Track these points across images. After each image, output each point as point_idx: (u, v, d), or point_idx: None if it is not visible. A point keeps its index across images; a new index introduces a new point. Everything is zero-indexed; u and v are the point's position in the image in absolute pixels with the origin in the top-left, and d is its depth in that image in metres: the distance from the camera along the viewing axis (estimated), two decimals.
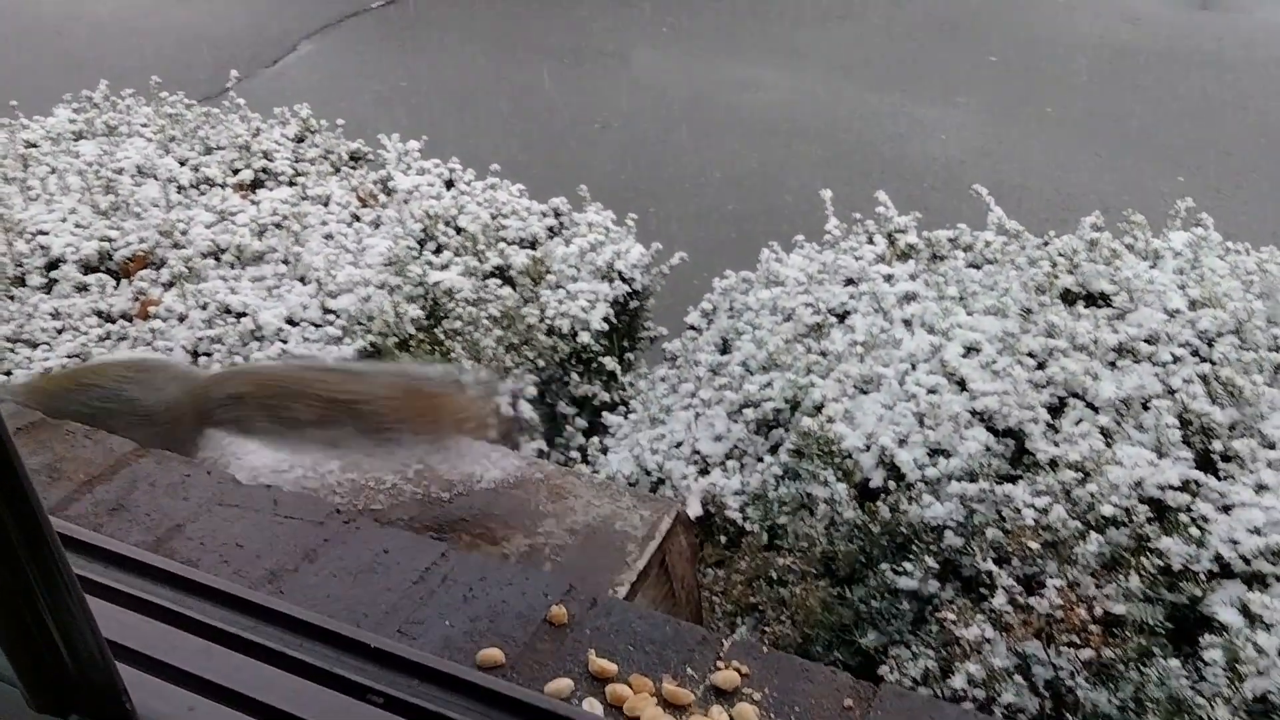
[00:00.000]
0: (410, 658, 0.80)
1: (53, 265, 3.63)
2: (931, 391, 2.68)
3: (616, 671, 0.94)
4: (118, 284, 3.60)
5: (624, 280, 3.65)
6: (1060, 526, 2.22)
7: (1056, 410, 2.58)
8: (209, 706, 0.77)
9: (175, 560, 0.99)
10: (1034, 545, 2.20)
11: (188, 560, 1.01)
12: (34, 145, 4.43)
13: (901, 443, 2.57)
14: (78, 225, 3.82)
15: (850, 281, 3.32)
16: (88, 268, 3.63)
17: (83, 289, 3.55)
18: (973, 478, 2.42)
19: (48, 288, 3.58)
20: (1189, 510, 2.18)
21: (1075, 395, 2.58)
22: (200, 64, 6.24)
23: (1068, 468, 2.35)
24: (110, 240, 3.73)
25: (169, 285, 3.56)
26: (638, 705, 0.90)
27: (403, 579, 1.03)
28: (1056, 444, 2.47)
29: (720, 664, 0.96)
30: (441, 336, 3.46)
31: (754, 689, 0.94)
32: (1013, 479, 2.43)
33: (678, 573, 1.81)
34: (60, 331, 3.39)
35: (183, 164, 4.26)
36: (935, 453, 2.54)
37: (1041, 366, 2.70)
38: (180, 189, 4.10)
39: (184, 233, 3.76)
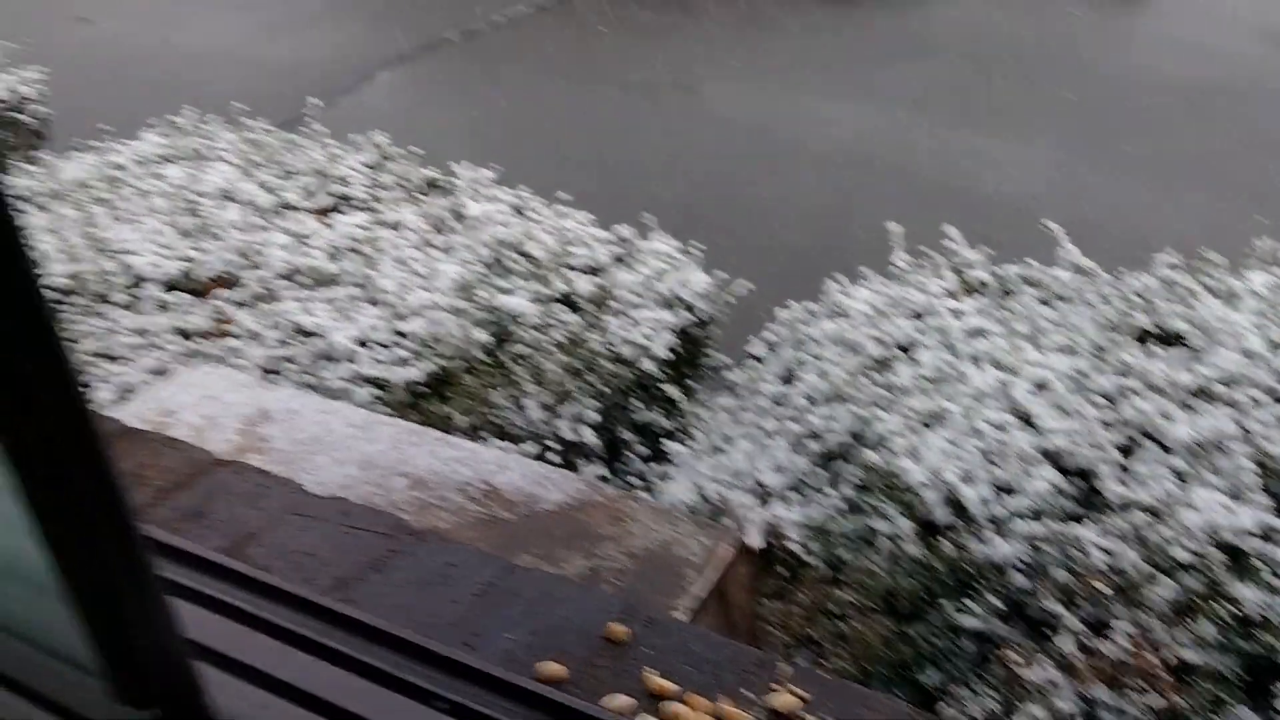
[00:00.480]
0: (477, 666, 0.82)
1: (136, 283, 3.76)
2: (999, 428, 2.65)
3: (674, 690, 0.95)
4: (196, 302, 3.71)
5: (688, 308, 3.67)
6: (1131, 570, 2.17)
7: (1128, 451, 2.53)
8: (281, 706, 0.79)
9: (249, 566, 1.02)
10: (1103, 588, 2.15)
11: (261, 567, 1.04)
12: (122, 168, 4.59)
13: (967, 479, 2.54)
14: (161, 245, 3.94)
15: (917, 315, 3.30)
16: (169, 286, 3.75)
17: (164, 307, 3.66)
18: (1040, 517, 2.38)
19: (131, 305, 3.70)
20: (1266, 557, 2.12)
21: (1148, 436, 2.53)
22: (283, 92, 6.43)
23: (1139, 510, 2.30)
24: (191, 260, 3.84)
25: (245, 305, 3.66)
26: None
27: (467, 592, 1.05)
28: (1127, 485, 2.42)
29: (778, 687, 0.96)
30: (506, 360, 3.50)
31: (811, 714, 0.94)
32: (1081, 520, 2.39)
33: (735, 601, 1.81)
34: (141, 347, 3.51)
35: (262, 188, 4.38)
36: (1002, 490, 2.50)
37: (1113, 406, 2.65)
38: (259, 212, 4.22)
39: (261, 254, 3.87)
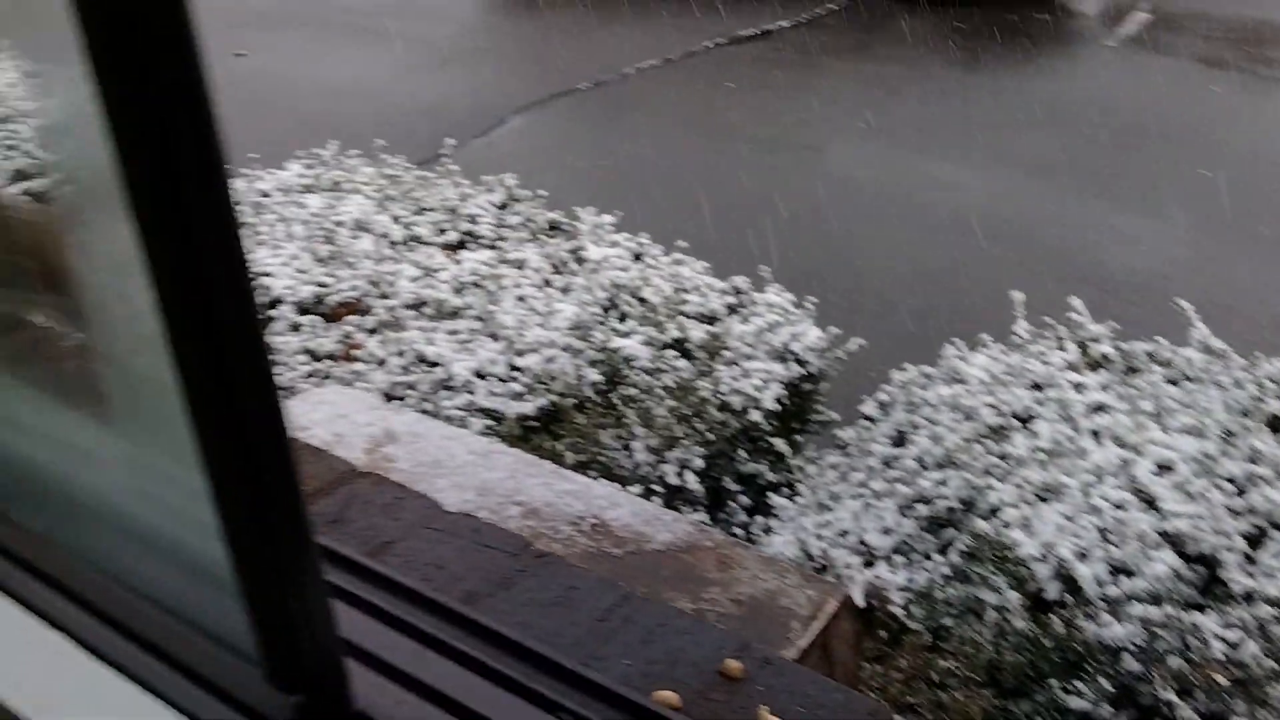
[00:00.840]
0: (602, 683, 0.85)
1: (271, 305, 3.94)
2: (1118, 507, 2.58)
3: None
4: (327, 326, 3.87)
5: (799, 362, 3.67)
6: (1253, 664, 2.08)
7: (1255, 541, 2.43)
8: (416, 703, 0.84)
9: None
10: (1222, 680, 2.07)
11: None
12: (267, 195, 4.84)
13: (1082, 556, 2.47)
14: (298, 270, 4.14)
15: (1036, 386, 3.24)
16: (302, 309, 3.92)
17: (295, 328, 3.84)
18: (1157, 601, 2.30)
19: (265, 324, 3.88)
20: None
21: (1277, 527, 2.44)
22: (420, 131, 6.70)
23: (1264, 602, 2.21)
24: (324, 286, 4.02)
25: (372, 332, 3.80)
26: None
27: (588, 615, 1.09)
28: (1253, 576, 2.33)
29: None
30: (616, 401, 3.56)
31: None
32: (1201, 608, 2.31)
33: (839, 657, 1.80)
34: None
35: (396, 221, 4.57)
36: (1117, 571, 2.43)
37: (1241, 493, 2.55)
38: (391, 244, 4.40)
39: (391, 284, 4.02)
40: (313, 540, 0.78)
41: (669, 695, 1.01)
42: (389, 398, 3.50)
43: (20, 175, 4.86)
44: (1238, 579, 2.30)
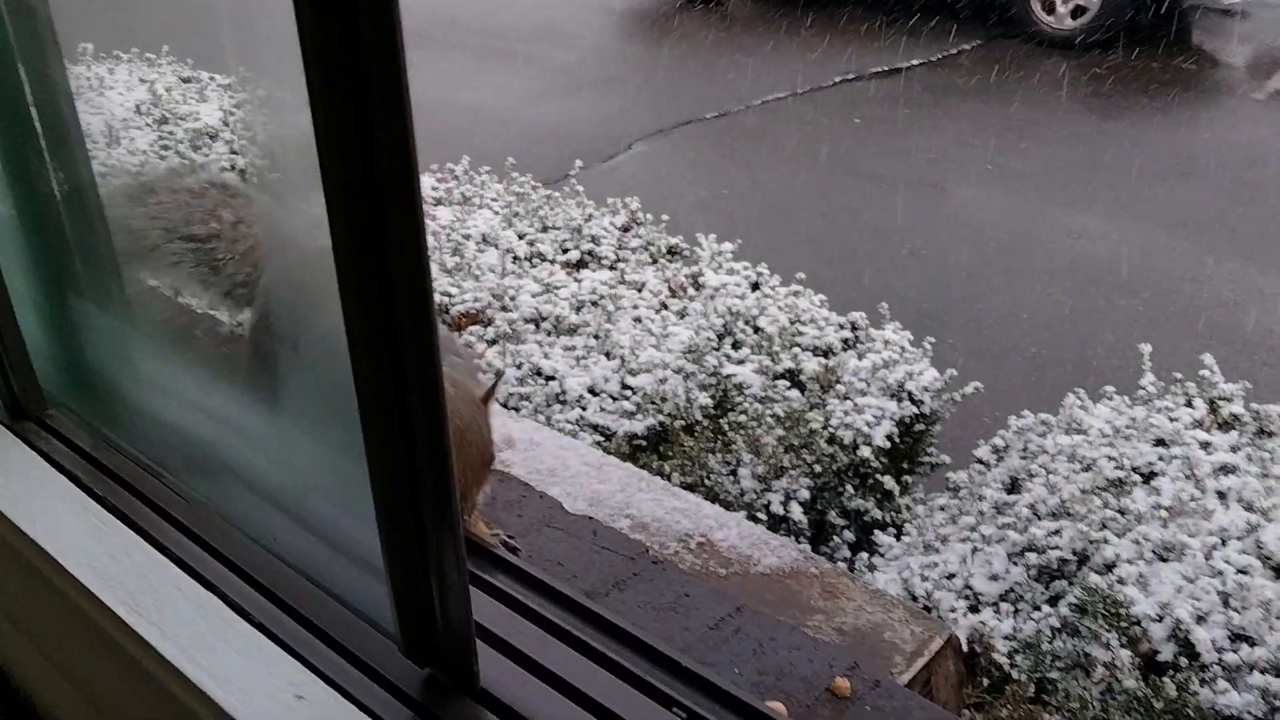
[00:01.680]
0: (716, 682, 0.87)
1: None
2: (1242, 571, 2.48)
3: None
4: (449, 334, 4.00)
5: (913, 401, 3.64)
6: None
7: None
8: (538, 686, 0.88)
9: None
10: None
11: None
12: None
13: (1200, 619, 2.39)
14: None
15: (1160, 443, 3.14)
16: None
17: None
18: (1279, 672, 2.21)
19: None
20: None
21: None
22: (548, 153, 6.86)
23: None
24: (450, 296, 4.15)
25: (492, 342, 3.91)
26: None
27: (700, 623, 1.12)
28: None
29: None
30: (725, 427, 3.58)
31: None
32: None
33: (940, 697, 1.78)
34: None
35: (521, 237, 4.69)
36: (1237, 637, 2.34)
37: None
38: (515, 259, 4.52)
39: (513, 298, 4.13)
40: (459, 531, 0.83)
41: (777, 706, 1.03)
42: (505, 407, 3.59)
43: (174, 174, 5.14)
44: None
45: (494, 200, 5.05)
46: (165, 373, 1.24)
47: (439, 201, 5.08)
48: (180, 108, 5.84)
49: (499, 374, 1.08)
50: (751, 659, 1.09)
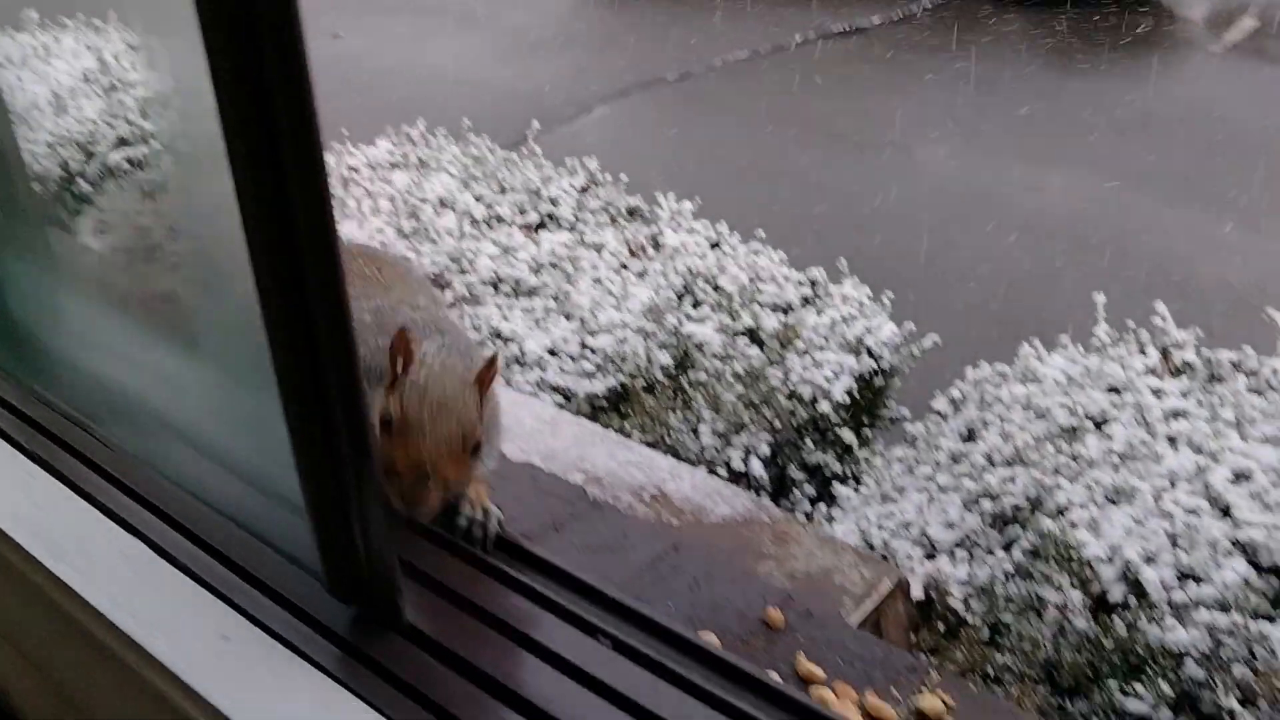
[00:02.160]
0: (643, 611, 0.88)
1: None
2: (1190, 513, 2.53)
3: (823, 677, 0.98)
4: None
5: (872, 356, 3.66)
6: None
7: None
8: (465, 620, 0.88)
9: None
10: None
11: None
12: (356, 170, 4.97)
13: (1149, 560, 2.43)
14: (381, 244, 4.24)
15: (1114, 390, 3.18)
16: None
17: None
18: (1225, 609, 2.25)
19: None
20: None
21: None
22: (507, 116, 6.79)
23: None
24: (407, 259, 4.12)
25: (450, 306, 3.89)
26: (840, 710, 0.94)
27: (637, 561, 1.12)
28: None
29: (926, 690, 0.97)
30: (685, 385, 3.58)
31: None
32: (1271, 619, 2.25)
33: (890, 637, 1.80)
34: None
35: (478, 200, 4.65)
36: (1185, 576, 2.38)
37: None
38: (473, 222, 4.48)
39: (471, 261, 4.10)
40: (375, 467, 0.83)
41: (710, 637, 1.03)
42: None
43: (122, 142, 5.05)
44: None
45: (451, 163, 5.00)
46: (91, 325, 1.22)
47: (395, 165, 5.02)
48: (129, 75, 5.73)
49: (494, 358, 1.06)
50: (687, 594, 1.10)
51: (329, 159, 5.08)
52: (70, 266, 1.38)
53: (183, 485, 1.02)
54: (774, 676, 0.91)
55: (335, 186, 4.78)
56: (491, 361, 1.09)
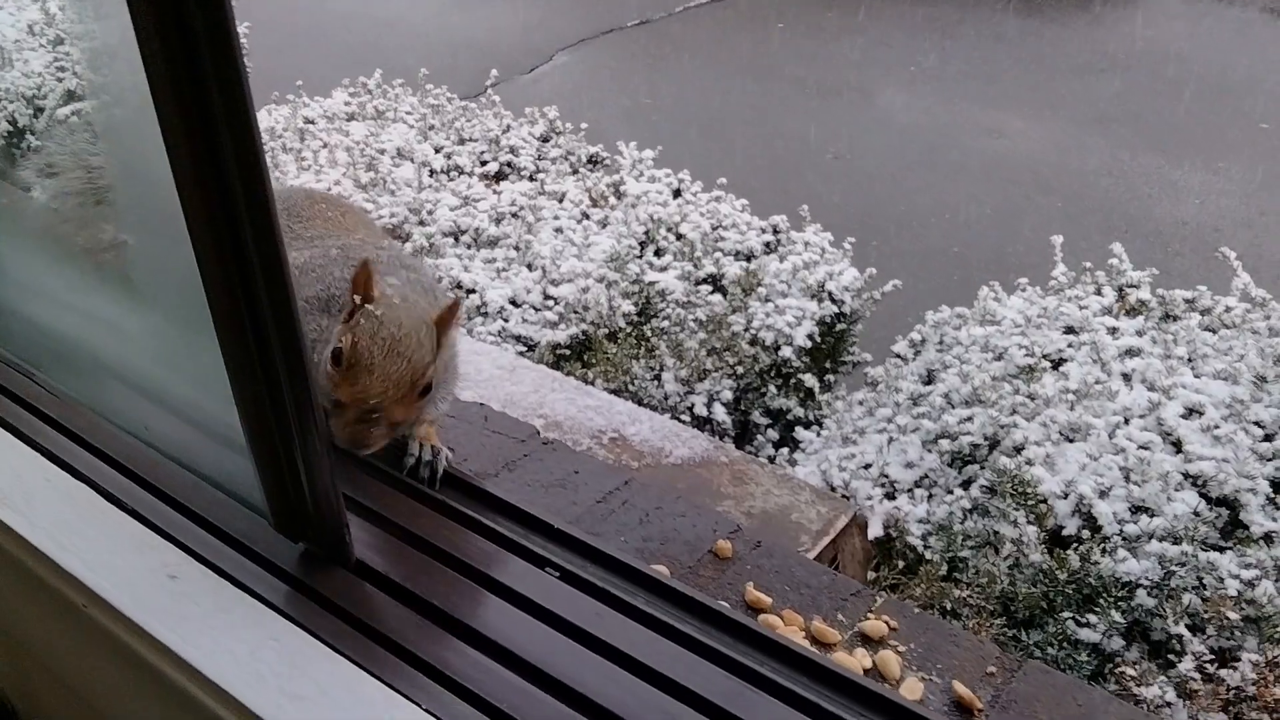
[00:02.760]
0: (586, 540, 0.89)
1: None
2: (1143, 448, 2.57)
3: (770, 604, 1.00)
4: None
5: (834, 301, 3.67)
6: (1266, 602, 2.08)
7: None
8: (413, 555, 0.88)
9: None
10: (1234, 616, 2.08)
11: None
12: (311, 122, 4.89)
13: (1103, 494, 2.47)
14: (339, 195, 4.19)
15: (1070, 330, 3.21)
16: None
17: None
18: (1176, 540, 2.30)
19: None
20: None
21: None
22: (466, 65, 6.70)
23: None
24: (366, 211, 4.07)
25: (412, 256, 3.85)
26: (786, 635, 0.95)
27: (588, 497, 1.13)
28: (1275, 519, 2.32)
29: (871, 615, 0.99)
30: (648, 333, 3.59)
31: (900, 642, 0.97)
32: (1220, 548, 2.30)
33: (846, 572, 1.83)
34: None
35: (438, 151, 4.60)
36: (1138, 510, 2.43)
37: (1269, 438, 2.53)
38: (432, 173, 4.43)
39: (430, 212, 4.07)
40: (317, 404, 0.82)
41: (659, 569, 1.04)
42: None
43: (71, 96, 4.94)
44: (1259, 521, 2.29)
45: (409, 114, 4.93)
46: (34, 274, 1.20)
47: (351, 116, 4.95)
48: (76, 27, 5.58)
49: (457, 301, 1.04)
50: (638, 527, 1.11)
51: (284, 111, 5.01)
52: (11, 216, 1.35)
53: (129, 430, 1.01)
54: (722, 604, 0.92)
55: (292, 138, 4.71)
56: (454, 305, 1.06)
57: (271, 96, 5.28)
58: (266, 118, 4.86)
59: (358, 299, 1.03)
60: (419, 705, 0.77)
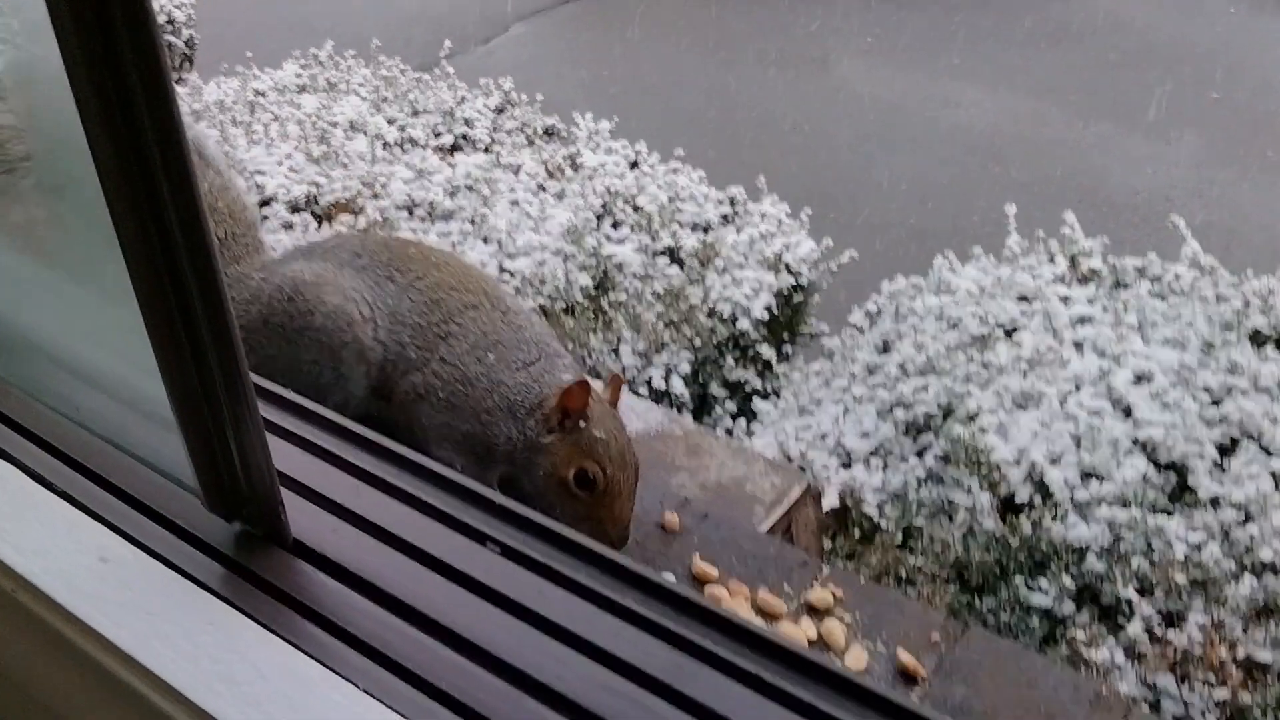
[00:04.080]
0: (527, 515, 0.88)
1: (265, 203, 3.93)
2: (1094, 414, 2.60)
3: (716, 576, 1.00)
4: (319, 226, 3.87)
5: (791, 273, 3.68)
6: (1213, 565, 2.12)
7: (1227, 450, 2.46)
8: (349, 530, 0.87)
9: None
10: (1181, 580, 2.11)
11: None
12: (262, 94, 4.80)
13: (1054, 461, 2.50)
14: (291, 170, 4.12)
15: (1024, 299, 3.24)
16: (294, 208, 3.92)
17: (288, 226, 3.83)
18: (1125, 505, 2.33)
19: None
20: None
21: (1249, 437, 2.46)
22: (420, 37, 6.60)
23: (1230, 507, 2.24)
24: (318, 186, 4.01)
25: (364, 232, 3.80)
26: (731, 606, 0.95)
27: None
28: (1221, 483, 2.36)
29: (817, 585, 1.00)
30: (606, 306, 3.57)
31: (846, 611, 0.97)
32: (1168, 512, 2.34)
33: (801, 542, 1.84)
34: None
35: (391, 123, 4.53)
36: (1088, 476, 2.46)
37: (1217, 404, 2.57)
38: (386, 146, 4.37)
39: (384, 186, 4.01)
40: (246, 375, 0.80)
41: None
42: None
43: None
44: (1206, 485, 2.33)
45: (361, 86, 4.85)
46: None
47: (303, 89, 4.86)
48: None
49: (618, 380, 1.13)
50: None
51: (233, 83, 4.90)
52: None
53: (59, 410, 0.98)
54: (667, 576, 0.92)
55: (242, 111, 4.62)
56: (617, 384, 1.09)
57: (220, 68, 5.17)
58: (215, 90, 4.77)
59: (574, 421, 1.10)
60: (356, 685, 0.75)
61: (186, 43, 6.07)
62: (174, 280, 0.72)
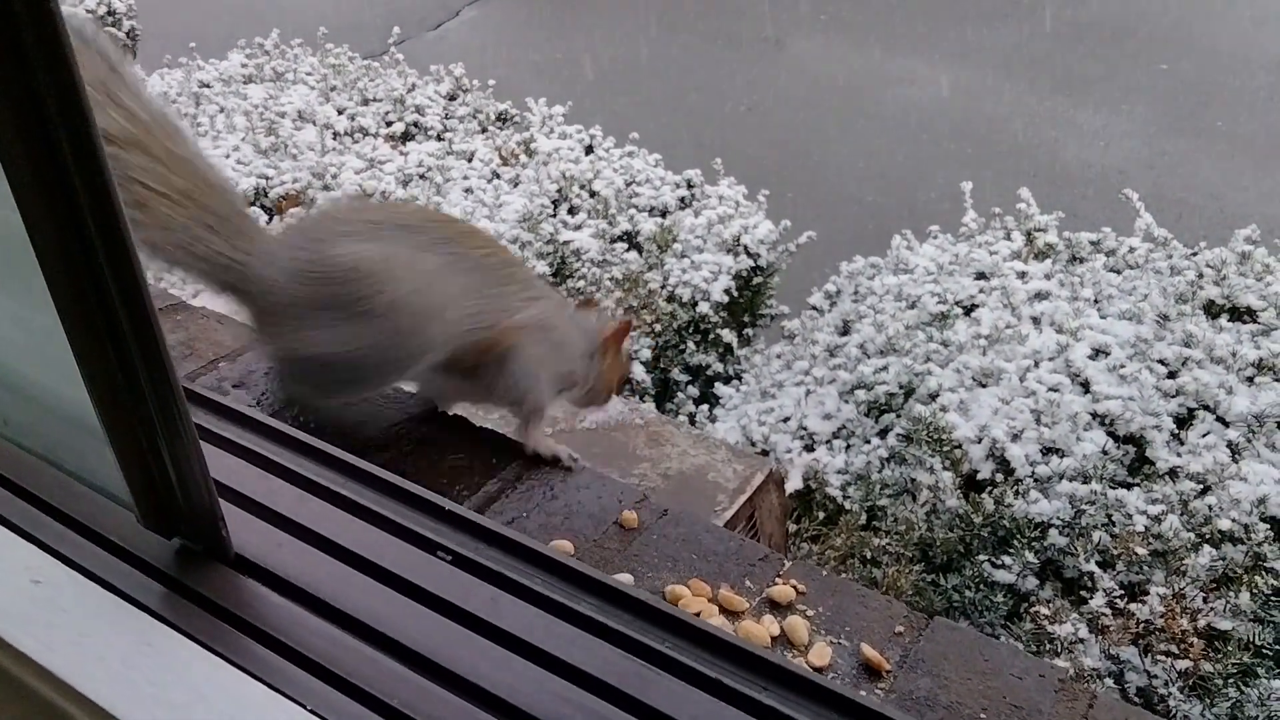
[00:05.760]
0: (478, 521, 0.85)
1: None
2: (1053, 390, 2.61)
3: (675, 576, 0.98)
4: (270, 219, 3.80)
5: (749, 255, 3.66)
6: (1172, 536, 2.14)
7: (1184, 421, 2.48)
8: (295, 545, 0.84)
9: None
10: (1141, 552, 2.13)
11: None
12: (207, 85, 4.70)
13: (1015, 438, 2.51)
14: (239, 162, 4.04)
15: (981, 276, 3.25)
16: (244, 202, 3.84)
17: None
18: (1086, 479, 2.35)
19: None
20: None
21: (1205, 408, 2.48)
22: (368, 23, 6.50)
23: (1188, 478, 2.26)
24: (267, 178, 3.93)
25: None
26: (692, 605, 0.93)
27: (486, 474, 1.09)
28: (1179, 455, 2.37)
29: (779, 580, 0.98)
30: (564, 293, 3.54)
31: (808, 606, 0.96)
32: (1128, 485, 2.36)
33: (765, 529, 1.82)
34: None
35: (340, 112, 4.46)
36: (1049, 451, 2.47)
37: (1173, 375, 2.59)
38: (336, 136, 4.30)
39: (335, 176, 3.94)
40: (177, 383, 0.77)
41: (562, 544, 1.02)
42: None
43: None
44: (1164, 457, 2.35)
45: (309, 75, 4.76)
46: None
47: (249, 79, 4.77)
48: None
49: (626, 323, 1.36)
50: (541, 502, 1.08)
51: (177, 75, 4.79)
52: None
53: None
54: (623, 578, 0.89)
55: (186, 104, 4.52)
56: (627, 325, 1.52)
57: (164, 60, 5.06)
58: (159, 82, 4.66)
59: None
60: (304, 706, 0.73)
61: (128, 34, 5.92)
62: (93, 282, 0.68)
